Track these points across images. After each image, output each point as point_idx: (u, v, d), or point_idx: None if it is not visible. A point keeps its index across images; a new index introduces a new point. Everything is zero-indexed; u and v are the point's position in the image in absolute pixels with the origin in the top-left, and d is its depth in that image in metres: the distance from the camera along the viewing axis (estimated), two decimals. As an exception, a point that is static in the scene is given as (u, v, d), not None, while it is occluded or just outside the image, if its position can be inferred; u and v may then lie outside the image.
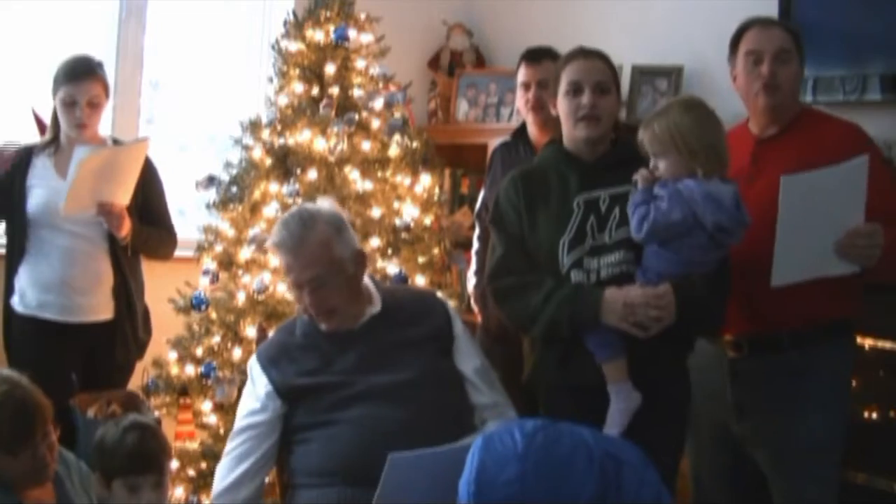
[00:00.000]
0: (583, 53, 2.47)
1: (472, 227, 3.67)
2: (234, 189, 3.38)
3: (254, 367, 2.48)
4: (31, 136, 3.39)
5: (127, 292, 3.27)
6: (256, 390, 2.43)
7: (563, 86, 2.44)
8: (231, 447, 2.42)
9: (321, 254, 2.39)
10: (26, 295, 3.17)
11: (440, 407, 2.34)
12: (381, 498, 2.07)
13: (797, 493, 2.50)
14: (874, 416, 3.13)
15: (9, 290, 3.21)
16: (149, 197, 3.31)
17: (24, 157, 3.22)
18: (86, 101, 3.15)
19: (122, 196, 3.17)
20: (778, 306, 2.44)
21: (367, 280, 2.55)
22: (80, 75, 3.16)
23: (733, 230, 2.29)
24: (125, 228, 3.17)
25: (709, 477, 2.72)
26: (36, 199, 3.17)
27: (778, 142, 2.54)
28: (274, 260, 3.20)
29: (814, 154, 2.40)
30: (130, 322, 3.29)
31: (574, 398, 2.41)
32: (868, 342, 3.11)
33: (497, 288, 2.49)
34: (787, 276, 2.32)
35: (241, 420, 2.45)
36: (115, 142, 3.35)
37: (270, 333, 2.97)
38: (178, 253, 3.45)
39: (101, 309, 3.23)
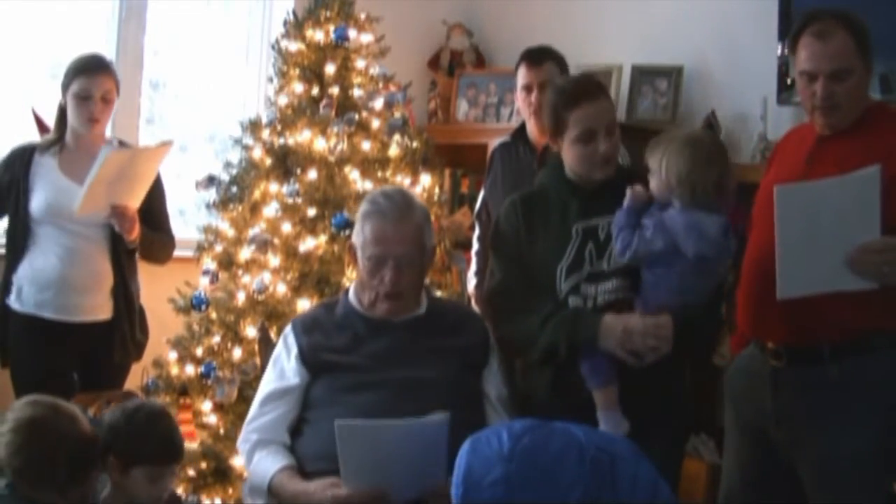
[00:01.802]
0: (586, 95, 2.41)
1: (472, 227, 3.67)
2: (234, 189, 3.38)
3: (289, 335, 2.51)
4: (32, 137, 3.39)
5: (126, 293, 3.26)
6: (290, 357, 2.46)
7: (571, 131, 2.40)
8: (262, 411, 2.43)
9: (417, 235, 2.43)
10: (23, 293, 3.16)
11: (450, 411, 2.30)
12: (344, 470, 2.16)
13: None
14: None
15: (6, 288, 3.20)
16: (153, 201, 3.30)
17: (26, 155, 3.21)
18: (99, 96, 3.16)
19: (135, 199, 3.18)
20: (817, 317, 2.33)
21: None
22: (95, 69, 3.17)
23: (716, 259, 2.32)
24: (135, 231, 3.18)
25: (741, 485, 2.59)
26: (39, 198, 3.16)
27: (838, 142, 2.39)
28: (274, 260, 3.20)
29: (870, 155, 2.26)
30: (129, 323, 3.28)
31: (564, 417, 2.41)
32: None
33: (496, 311, 2.51)
34: (794, 288, 2.25)
35: (270, 384, 2.46)
36: (121, 143, 3.35)
37: (272, 333, 2.99)
38: (178, 253, 3.45)
39: (99, 309, 3.22)
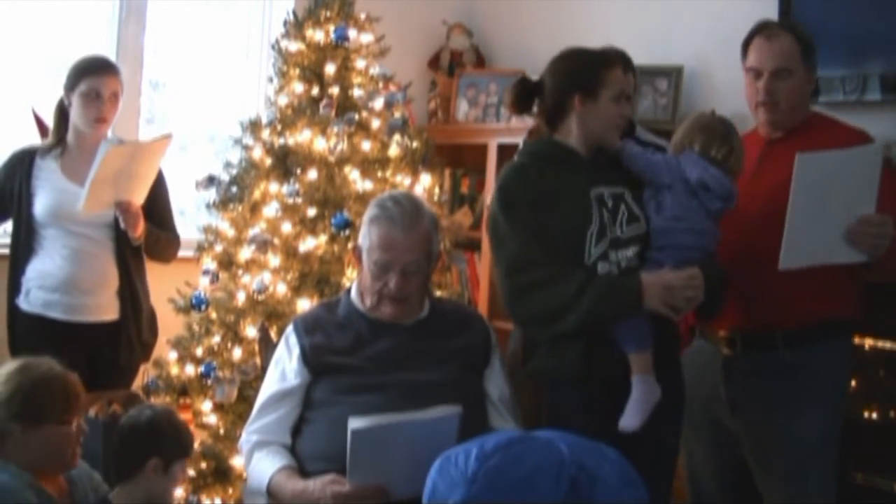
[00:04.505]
0: (624, 60, 2.52)
1: (472, 227, 3.67)
2: (234, 189, 3.38)
3: (290, 335, 2.49)
4: (31, 137, 3.39)
5: (133, 294, 3.26)
6: (291, 358, 2.45)
7: (609, 90, 2.39)
8: (263, 413, 2.42)
9: (424, 243, 2.40)
10: (32, 293, 3.18)
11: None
12: (352, 469, 2.14)
13: (789, 493, 2.49)
14: (874, 416, 3.13)
15: (14, 288, 3.21)
16: (156, 198, 3.30)
17: (27, 159, 3.21)
18: (108, 95, 3.16)
19: (139, 195, 3.18)
20: (773, 305, 2.46)
21: None
22: (104, 69, 3.19)
23: (717, 193, 2.35)
24: (140, 228, 3.18)
25: (706, 476, 2.71)
26: (42, 201, 3.17)
27: (785, 144, 2.53)
28: (274, 260, 3.20)
29: None
30: (135, 324, 3.28)
31: (590, 391, 2.38)
32: (868, 342, 3.11)
33: (520, 283, 2.36)
34: (796, 259, 2.29)
35: (272, 387, 2.45)
36: (121, 143, 3.35)
37: (273, 332, 2.99)
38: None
39: (105, 309, 3.23)
